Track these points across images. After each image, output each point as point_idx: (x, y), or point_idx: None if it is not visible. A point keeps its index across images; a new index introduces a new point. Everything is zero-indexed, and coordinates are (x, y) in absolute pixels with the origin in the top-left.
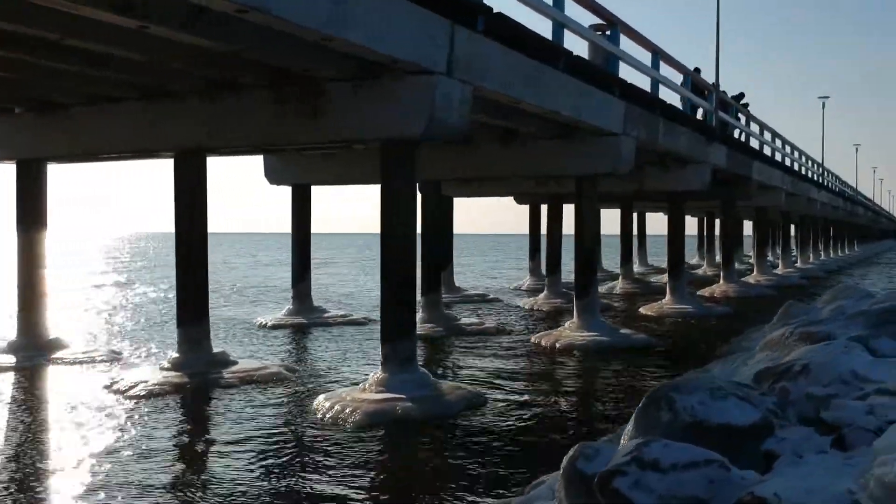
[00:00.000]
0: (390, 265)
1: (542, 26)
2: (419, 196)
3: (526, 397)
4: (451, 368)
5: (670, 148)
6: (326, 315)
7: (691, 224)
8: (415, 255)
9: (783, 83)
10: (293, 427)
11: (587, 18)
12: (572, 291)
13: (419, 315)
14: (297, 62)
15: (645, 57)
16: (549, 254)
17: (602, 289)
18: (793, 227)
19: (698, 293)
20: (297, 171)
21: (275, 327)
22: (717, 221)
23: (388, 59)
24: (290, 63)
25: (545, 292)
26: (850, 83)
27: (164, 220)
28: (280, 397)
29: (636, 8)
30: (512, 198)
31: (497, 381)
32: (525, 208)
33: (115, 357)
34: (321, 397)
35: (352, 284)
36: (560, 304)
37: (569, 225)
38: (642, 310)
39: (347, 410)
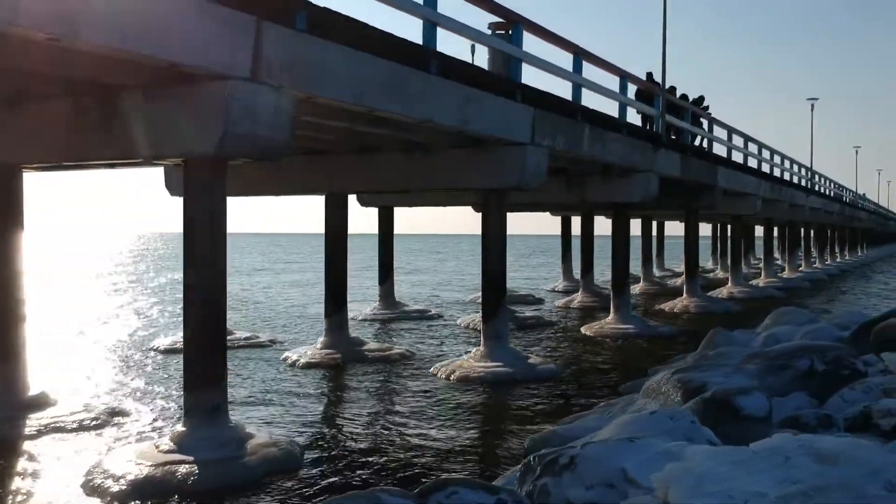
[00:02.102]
0: (193, 299)
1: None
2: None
3: (353, 458)
4: (304, 414)
5: (601, 157)
6: (229, 338)
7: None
8: (224, 287)
9: (779, 86)
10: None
11: (485, 18)
12: (512, 308)
13: (321, 339)
14: (57, 68)
15: (567, 59)
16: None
17: (560, 302)
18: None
19: (659, 307)
20: None
21: (167, 352)
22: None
23: (167, 63)
24: (46, 69)
25: None
26: (852, 85)
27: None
28: (75, 452)
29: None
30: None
31: (343, 432)
32: None
33: None
34: (103, 455)
35: (282, 297)
36: None
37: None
38: (583, 329)
39: (113, 477)
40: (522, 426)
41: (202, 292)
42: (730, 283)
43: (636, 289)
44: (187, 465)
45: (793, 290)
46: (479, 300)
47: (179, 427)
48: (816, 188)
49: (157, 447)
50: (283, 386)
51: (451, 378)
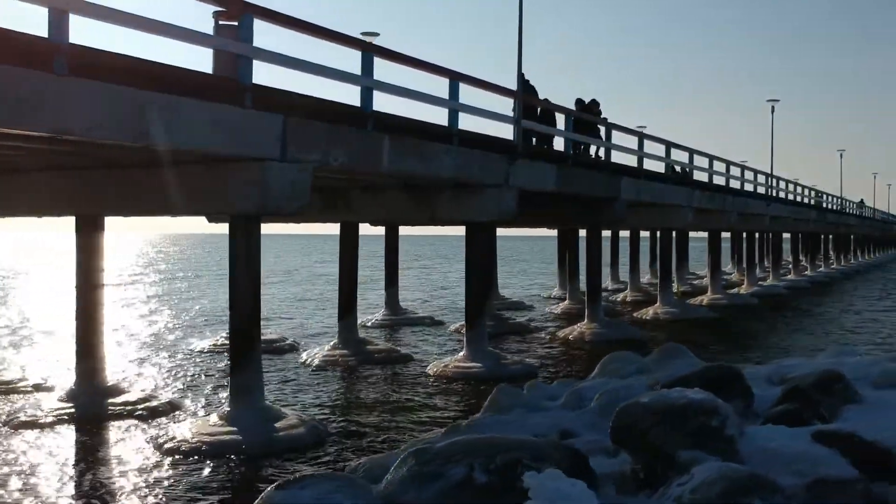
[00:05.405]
0: None
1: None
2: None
3: None
4: None
5: (415, 172)
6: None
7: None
8: None
9: (765, 90)
10: None
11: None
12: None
13: (68, 389)
14: None
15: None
16: (342, 290)
17: (452, 328)
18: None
19: (559, 333)
20: None
21: None
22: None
23: None
24: None
25: (334, 341)
26: (844, 86)
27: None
28: None
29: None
30: None
31: None
32: None
33: None
34: None
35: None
36: (340, 356)
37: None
38: (429, 368)
39: None
40: None
41: None
42: (658, 302)
43: (559, 308)
44: None
45: (736, 308)
46: (371, 324)
47: None
48: (781, 195)
49: None
50: None
51: (163, 449)
